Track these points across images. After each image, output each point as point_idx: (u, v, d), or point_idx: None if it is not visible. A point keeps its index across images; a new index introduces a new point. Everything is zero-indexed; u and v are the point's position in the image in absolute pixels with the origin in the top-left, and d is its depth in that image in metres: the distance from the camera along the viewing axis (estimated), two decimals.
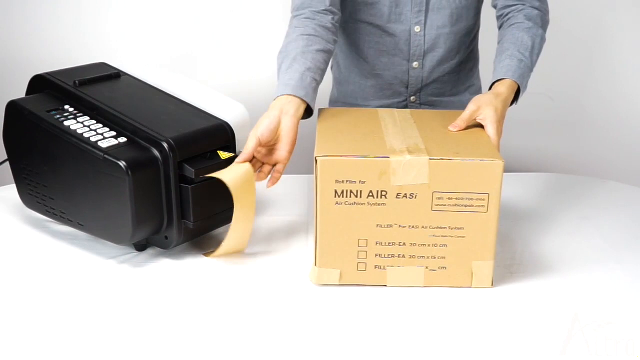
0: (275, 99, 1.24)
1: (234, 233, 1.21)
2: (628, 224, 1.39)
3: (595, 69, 2.29)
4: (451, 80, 1.58)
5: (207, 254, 1.26)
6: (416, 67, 1.53)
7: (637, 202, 1.51)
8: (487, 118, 1.23)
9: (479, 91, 1.66)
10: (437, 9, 1.47)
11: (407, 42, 1.50)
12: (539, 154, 2.31)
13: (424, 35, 1.49)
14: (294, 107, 1.23)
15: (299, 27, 1.34)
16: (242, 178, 1.19)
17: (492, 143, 1.19)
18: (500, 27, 1.47)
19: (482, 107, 1.24)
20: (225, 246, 1.23)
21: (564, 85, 2.29)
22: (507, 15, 1.45)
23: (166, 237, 1.23)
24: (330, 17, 1.37)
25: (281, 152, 1.22)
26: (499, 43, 1.42)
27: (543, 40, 1.41)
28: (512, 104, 1.34)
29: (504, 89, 1.31)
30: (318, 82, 1.29)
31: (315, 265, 1.15)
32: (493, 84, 1.34)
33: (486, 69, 1.67)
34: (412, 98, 1.58)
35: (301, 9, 1.37)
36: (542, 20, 1.43)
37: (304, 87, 1.25)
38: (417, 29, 1.49)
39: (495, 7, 1.49)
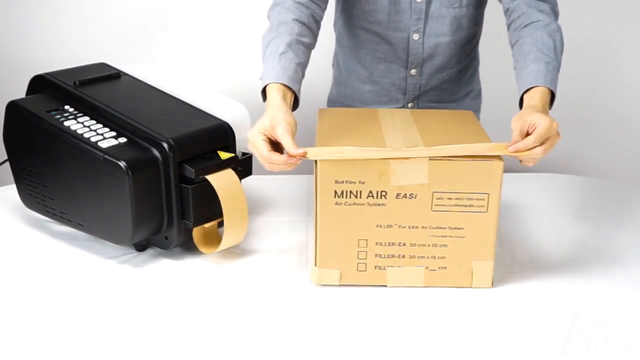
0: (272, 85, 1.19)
1: (229, 227, 1.22)
2: (628, 224, 1.39)
3: (595, 69, 2.29)
4: (450, 87, 1.55)
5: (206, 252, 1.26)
6: (414, 74, 1.51)
7: (637, 202, 1.50)
8: (537, 120, 1.12)
9: (478, 95, 1.64)
10: (437, 17, 1.44)
11: (405, 49, 1.48)
12: None
13: (423, 43, 1.46)
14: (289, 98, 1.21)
15: (291, 10, 1.28)
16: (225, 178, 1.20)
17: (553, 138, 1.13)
18: (510, 25, 1.35)
19: (525, 116, 1.14)
20: (224, 242, 1.23)
21: (564, 85, 2.28)
22: (516, 10, 1.33)
23: (166, 237, 1.23)
24: (320, 10, 1.33)
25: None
26: (514, 45, 1.31)
27: (561, 34, 1.30)
28: None
29: (537, 101, 1.19)
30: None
31: (315, 265, 1.15)
32: (523, 94, 1.23)
33: (485, 73, 1.67)
34: (409, 104, 1.55)
35: None
36: (554, 12, 1.34)
37: (297, 81, 1.22)
38: (416, 36, 1.46)
39: (500, 0, 1.39)
